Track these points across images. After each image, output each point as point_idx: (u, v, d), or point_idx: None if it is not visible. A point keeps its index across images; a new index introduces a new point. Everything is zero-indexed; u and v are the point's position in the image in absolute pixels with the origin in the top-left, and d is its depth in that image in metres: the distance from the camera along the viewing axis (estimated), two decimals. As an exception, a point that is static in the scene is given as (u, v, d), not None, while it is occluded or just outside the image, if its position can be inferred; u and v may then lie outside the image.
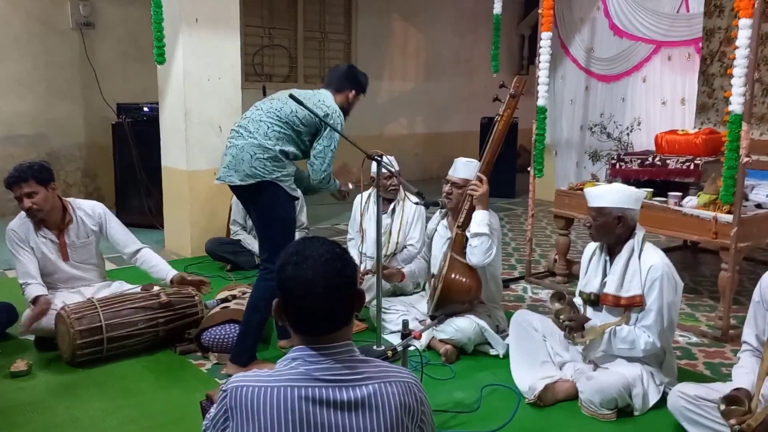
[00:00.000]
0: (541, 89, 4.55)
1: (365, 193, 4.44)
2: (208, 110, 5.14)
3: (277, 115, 3.07)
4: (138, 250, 3.65)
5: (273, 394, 1.43)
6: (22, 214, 3.49)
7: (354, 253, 4.34)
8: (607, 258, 2.91)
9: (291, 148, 3.08)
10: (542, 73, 4.53)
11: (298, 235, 3.89)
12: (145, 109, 6.18)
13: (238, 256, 4.86)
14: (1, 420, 2.68)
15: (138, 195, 6.12)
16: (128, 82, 6.84)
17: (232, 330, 3.32)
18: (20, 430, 2.61)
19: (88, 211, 3.63)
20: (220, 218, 5.21)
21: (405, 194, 4.30)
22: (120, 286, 3.65)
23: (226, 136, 5.13)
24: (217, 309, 3.52)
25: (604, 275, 2.89)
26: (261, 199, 3.07)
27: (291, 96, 3.04)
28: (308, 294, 1.45)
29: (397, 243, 4.21)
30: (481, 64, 9.33)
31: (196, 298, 3.54)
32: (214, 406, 1.56)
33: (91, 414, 2.75)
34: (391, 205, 4.20)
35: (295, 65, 8.41)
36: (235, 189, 3.15)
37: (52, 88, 6.67)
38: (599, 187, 3.00)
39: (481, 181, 3.32)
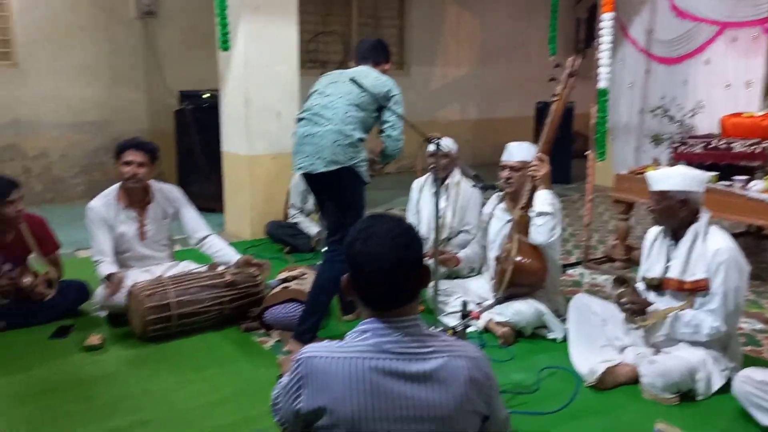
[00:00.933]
0: (603, 71, 4.46)
1: (422, 177, 4.47)
2: (267, 97, 5.24)
3: (349, 100, 3.08)
4: (207, 236, 3.79)
5: (344, 364, 1.48)
6: (104, 193, 3.66)
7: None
8: (671, 242, 2.86)
9: (364, 134, 3.13)
10: (604, 55, 4.44)
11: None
12: (206, 95, 6.34)
13: (296, 238, 4.97)
14: (77, 391, 2.84)
15: (199, 180, 6.29)
16: (188, 69, 7.02)
17: (293, 309, 3.42)
18: (95, 401, 2.75)
19: (166, 193, 3.78)
20: (277, 202, 5.33)
21: (460, 178, 4.32)
22: (187, 266, 3.79)
23: (284, 123, 5.32)
24: (279, 289, 3.62)
25: (668, 260, 2.84)
26: (340, 185, 3.10)
27: (352, 80, 3.09)
28: (377, 269, 1.50)
29: (452, 227, 4.23)
30: (536, 49, 9.19)
31: (259, 278, 3.65)
32: (287, 375, 1.63)
33: (161, 387, 2.88)
34: (444, 188, 4.20)
35: (349, 51, 8.47)
36: (313, 177, 3.14)
37: (117, 76, 6.92)
38: (662, 171, 2.95)
39: (541, 160, 3.32)
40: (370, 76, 3.17)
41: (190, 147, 6.34)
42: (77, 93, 6.70)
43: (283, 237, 5.01)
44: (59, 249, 3.72)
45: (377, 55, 3.29)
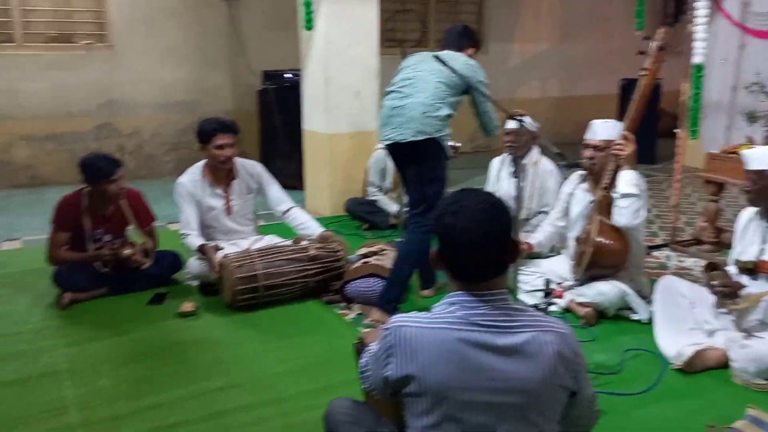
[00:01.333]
0: (698, 46, 4.28)
1: (500, 157, 4.44)
2: (347, 76, 5.30)
3: (439, 78, 3.19)
4: (290, 208, 3.93)
5: (433, 335, 1.52)
6: (191, 170, 3.85)
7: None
8: (767, 224, 2.74)
9: (450, 111, 3.23)
10: (699, 29, 4.25)
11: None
12: (287, 75, 6.48)
13: (375, 215, 5.05)
14: (174, 354, 3.03)
15: (280, 158, 6.46)
16: (270, 50, 7.18)
17: (374, 283, 3.50)
18: (190, 363, 2.93)
19: (249, 169, 3.94)
20: (356, 179, 5.42)
21: (539, 156, 4.26)
22: (272, 240, 3.94)
23: (363, 102, 5.39)
24: (359, 264, 3.71)
25: (764, 242, 2.73)
26: (425, 156, 3.20)
27: (442, 61, 3.15)
28: (466, 242, 1.52)
29: (530, 208, 4.19)
30: (620, 23, 8.84)
31: (340, 253, 3.74)
32: (376, 343, 1.69)
33: (250, 352, 3.03)
34: (523, 167, 4.15)
35: (426, 30, 8.43)
36: (398, 148, 3.25)
37: (204, 58, 7.17)
38: (759, 149, 2.82)
39: (626, 139, 3.23)
40: (459, 59, 3.28)
41: (273, 126, 6.52)
42: (167, 74, 7.00)
43: (361, 214, 5.10)
44: (154, 221, 3.94)
45: (462, 41, 3.42)
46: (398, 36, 8.24)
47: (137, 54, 6.81)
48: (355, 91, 5.36)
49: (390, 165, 5.07)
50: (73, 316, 3.43)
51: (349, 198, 5.22)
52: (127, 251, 3.60)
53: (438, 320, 1.55)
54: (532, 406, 1.52)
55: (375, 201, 5.11)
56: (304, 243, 3.76)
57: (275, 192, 3.97)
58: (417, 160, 3.22)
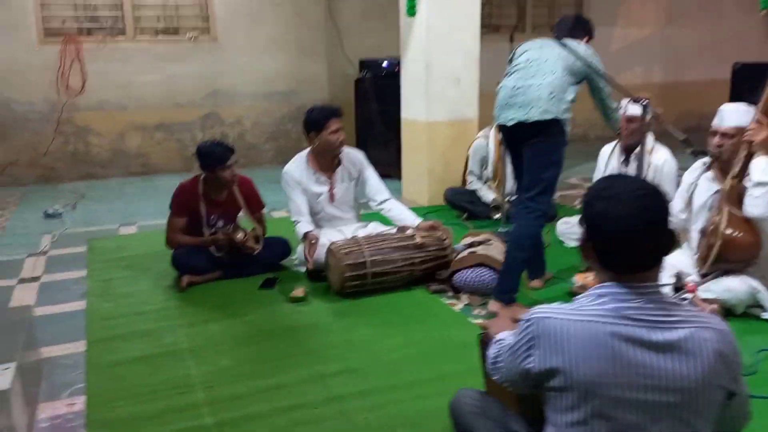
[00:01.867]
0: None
1: (610, 144, 4.26)
2: (448, 63, 5.25)
3: (564, 63, 3.16)
4: (386, 200, 3.94)
5: (582, 327, 1.45)
6: (296, 158, 3.92)
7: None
8: None
9: (573, 96, 3.18)
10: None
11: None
12: (384, 64, 6.49)
13: (475, 205, 4.98)
14: (288, 337, 3.10)
15: (376, 146, 6.49)
16: (366, 39, 7.22)
17: (483, 273, 3.45)
18: (304, 346, 2.99)
19: (351, 156, 3.97)
20: (454, 168, 5.36)
21: (654, 144, 4.05)
22: (376, 227, 3.96)
23: (463, 89, 5.31)
24: (465, 253, 3.66)
25: None
26: (546, 139, 3.14)
27: (566, 46, 3.08)
28: (621, 230, 1.44)
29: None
30: (732, 5, 8.32)
31: (446, 242, 3.71)
32: (510, 333, 1.64)
33: (361, 338, 3.06)
34: (632, 155, 3.99)
35: (523, 15, 8.22)
36: (518, 130, 3.19)
37: (302, 48, 7.30)
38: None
39: (761, 124, 3.01)
40: (579, 47, 3.24)
41: (369, 114, 6.55)
42: (268, 65, 7.17)
43: (461, 203, 5.04)
44: (264, 208, 4.05)
45: (576, 31, 3.35)
46: (494, 21, 8.08)
47: (240, 46, 7.02)
48: (455, 77, 5.30)
49: (491, 154, 4.98)
50: (191, 298, 3.57)
51: (448, 187, 5.17)
52: (239, 235, 3.72)
53: (586, 312, 1.48)
54: (688, 405, 1.43)
55: (475, 190, 5.03)
56: (409, 231, 3.75)
57: (374, 181, 3.98)
58: (537, 142, 3.16)
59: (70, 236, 4.80)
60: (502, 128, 3.35)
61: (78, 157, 6.67)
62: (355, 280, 3.46)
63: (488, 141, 4.98)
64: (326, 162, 3.89)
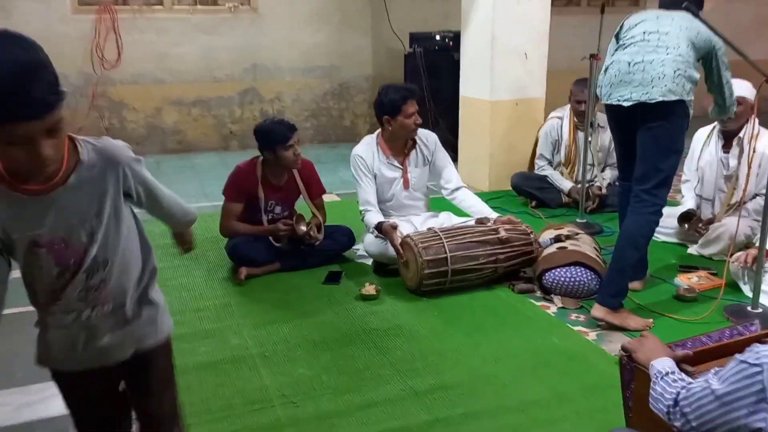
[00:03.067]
0: None
1: (706, 128, 3.85)
2: (515, 37, 4.84)
3: (688, 34, 2.75)
4: (459, 188, 3.58)
5: None
6: (366, 141, 3.57)
7: (689, 196, 3.83)
8: None
9: (697, 75, 2.78)
10: None
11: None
12: (437, 38, 6.07)
13: (545, 192, 4.60)
14: (368, 343, 2.75)
15: (427, 126, 6.07)
16: (412, 12, 6.79)
17: (579, 274, 3.09)
18: (389, 354, 2.64)
19: (424, 138, 3.60)
20: (519, 151, 4.98)
21: (760, 129, 3.65)
22: (448, 218, 3.60)
23: (531, 66, 4.90)
24: (554, 249, 3.29)
25: None
26: (668, 123, 2.75)
27: (696, 15, 2.68)
28: None
29: (745, 191, 3.60)
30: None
31: (531, 236, 3.34)
32: (719, 377, 1.29)
33: (451, 347, 2.71)
34: (733, 142, 3.59)
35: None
36: (633, 112, 2.80)
37: (345, 21, 6.87)
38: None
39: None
40: (696, 21, 2.82)
41: (420, 92, 6.12)
42: (309, 38, 6.76)
43: (530, 190, 4.65)
44: (324, 193, 3.69)
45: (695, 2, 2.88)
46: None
47: (280, 17, 6.62)
48: (522, 53, 4.89)
49: (565, 137, 4.58)
50: (251, 293, 3.24)
51: (515, 172, 4.77)
52: (302, 228, 3.38)
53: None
54: None
55: (546, 176, 4.64)
56: (489, 223, 3.38)
57: (447, 167, 3.63)
58: (658, 126, 2.75)
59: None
60: (610, 109, 2.95)
61: (113, 132, 6.32)
62: (434, 278, 3.11)
63: (562, 122, 4.57)
64: (400, 145, 3.53)
